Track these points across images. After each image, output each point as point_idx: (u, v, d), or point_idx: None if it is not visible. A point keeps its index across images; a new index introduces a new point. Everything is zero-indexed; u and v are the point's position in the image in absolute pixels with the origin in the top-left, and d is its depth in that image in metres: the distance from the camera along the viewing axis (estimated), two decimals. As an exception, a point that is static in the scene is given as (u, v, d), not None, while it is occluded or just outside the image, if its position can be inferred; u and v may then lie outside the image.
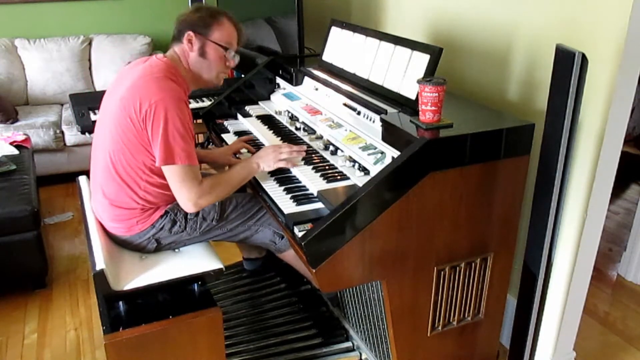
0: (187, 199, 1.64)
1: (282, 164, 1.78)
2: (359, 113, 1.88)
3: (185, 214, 1.78)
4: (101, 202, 1.77)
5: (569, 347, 1.99)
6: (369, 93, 1.87)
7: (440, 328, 1.71)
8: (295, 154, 1.80)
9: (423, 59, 1.68)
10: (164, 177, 1.69)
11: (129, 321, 1.62)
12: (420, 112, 1.52)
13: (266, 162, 1.78)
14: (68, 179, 3.52)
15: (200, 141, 3.56)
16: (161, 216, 1.76)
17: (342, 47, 2.14)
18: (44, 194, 3.44)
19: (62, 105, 4.00)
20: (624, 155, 1.69)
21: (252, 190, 1.83)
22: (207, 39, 1.74)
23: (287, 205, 1.59)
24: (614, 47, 1.48)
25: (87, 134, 2.75)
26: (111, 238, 1.80)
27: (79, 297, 2.53)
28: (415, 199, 1.45)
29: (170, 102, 1.59)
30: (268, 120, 2.22)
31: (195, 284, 1.78)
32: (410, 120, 1.57)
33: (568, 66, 1.32)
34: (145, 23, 4.36)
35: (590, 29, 1.55)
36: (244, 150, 2.03)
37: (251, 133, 2.18)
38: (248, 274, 2.55)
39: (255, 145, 2.04)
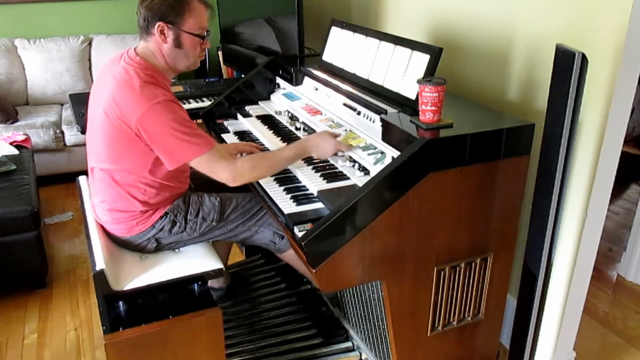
0: (226, 179, 1.63)
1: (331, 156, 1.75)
2: (359, 113, 1.88)
3: (185, 214, 1.78)
4: (100, 206, 1.77)
5: (569, 347, 1.99)
6: (369, 93, 1.87)
7: (440, 328, 1.71)
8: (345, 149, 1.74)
9: (423, 59, 1.68)
10: (164, 178, 1.69)
11: (129, 321, 1.62)
12: (420, 112, 1.52)
13: (322, 152, 1.72)
14: (68, 179, 3.52)
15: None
16: (161, 217, 1.76)
17: (342, 47, 2.14)
18: (44, 194, 3.44)
19: (62, 105, 4.00)
20: (624, 155, 1.69)
21: (252, 189, 1.83)
22: (181, 30, 1.64)
23: (287, 205, 1.59)
24: (614, 47, 1.48)
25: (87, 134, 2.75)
26: (111, 238, 1.80)
27: (79, 297, 2.53)
28: (415, 199, 1.45)
29: (159, 109, 1.55)
30: (268, 120, 2.22)
31: (195, 284, 1.78)
32: (410, 120, 1.57)
33: (568, 66, 1.32)
34: (145, 23, 4.35)
35: (590, 29, 1.55)
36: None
37: (251, 133, 2.18)
38: (248, 275, 2.55)
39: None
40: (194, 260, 1.79)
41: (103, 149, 1.67)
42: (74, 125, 3.44)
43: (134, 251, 1.81)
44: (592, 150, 1.62)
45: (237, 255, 2.77)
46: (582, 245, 1.75)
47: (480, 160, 1.51)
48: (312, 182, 1.67)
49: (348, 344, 2.13)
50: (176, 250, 1.85)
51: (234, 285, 2.45)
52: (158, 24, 1.62)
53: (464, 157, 1.48)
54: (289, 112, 2.22)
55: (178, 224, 1.77)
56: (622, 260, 2.67)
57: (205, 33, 1.71)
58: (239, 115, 2.35)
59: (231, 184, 1.65)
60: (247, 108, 2.39)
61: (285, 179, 1.76)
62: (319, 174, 1.71)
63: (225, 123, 2.33)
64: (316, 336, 2.16)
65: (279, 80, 2.45)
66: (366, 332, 1.98)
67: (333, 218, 1.36)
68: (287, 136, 2.03)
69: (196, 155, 1.59)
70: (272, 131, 2.10)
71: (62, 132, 3.64)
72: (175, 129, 1.56)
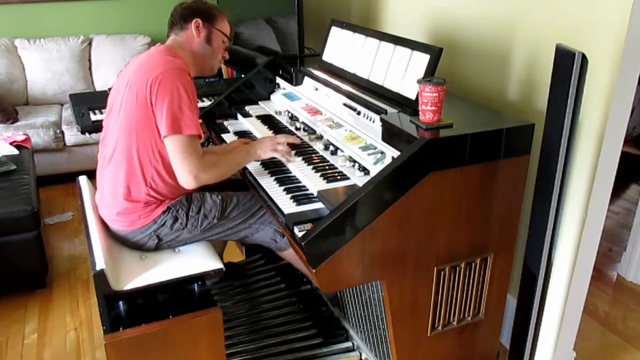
0: (189, 171, 1.65)
1: (277, 155, 1.84)
2: (359, 113, 1.88)
3: (187, 211, 1.78)
4: (109, 191, 1.77)
5: (569, 347, 1.99)
6: (369, 93, 1.87)
7: (440, 328, 1.71)
8: (291, 141, 1.88)
9: (423, 59, 1.68)
10: (171, 169, 1.70)
11: (129, 321, 1.62)
12: (420, 112, 1.52)
13: (263, 149, 1.85)
14: (68, 179, 3.52)
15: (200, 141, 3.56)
16: (163, 212, 1.76)
17: (342, 47, 2.14)
18: (44, 194, 3.44)
19: (62, 105, 4.00)
20: (624, 155, 1.69)
21: (252, 189, 1.83)
22: (214, 28, 1.86)
23: (287, 205, 1.59)
24: (614, 47, 1.48)
25: (87, 134, 2.76)
26: (112, 235, 1.80)
27: (79, 297, 2.53)
28: (415, 199, 1.45)
29: (175, 73, 1.66)
30: (268, 120, 2.22)
31: (195, 284, 1.78)
32: (410, 120, 1.57)
33: (568, 66, 1.32)
34: (145, 23, 4.35)
35: (590, 29, 1.55)
36: None
37: (251, 133, 2.18)
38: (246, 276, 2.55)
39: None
40: (194, 260, 1.79)
41: (122, 125, 1.72)
42: (74, 125, 3.43)
43: (134, 248, 1.81)
44: (592, 150, 1.62)
45: (237, 256, 2.77)
46: (582, 245, 1.75)
47: (480, 160, 1.52)
48: (312, 182, 1.67)
49: (348, 344, 2.13)
50: (176, 249, 1.85)
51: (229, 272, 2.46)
52: (195, 19, 1.83)
53: (464, 157, 1.48)
54: (289, 112, 2.22)
55: (180, 220, 1.78)
56: (622, 260, 2.67)
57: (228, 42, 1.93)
58: (239, 115, 2.35)
59: (190, 181, 1.66)
60: (247, 108, 2.39)
61: (286, 179, 1.76)
62: (319, 174, 1.71)
63: (225, 123, 2.33)
64: (316, 336, 2.16)
65: (279, 80, 2.46)
66: (366, 332, 1.98)
67: (333, 218, 1.37)
68: (287, 136, 2.03)
69: (189, 131, 1.64)
70: (272, 131, 2.10)
71: (62, 132, 3.64)
72: (183, 98, 1.64)
